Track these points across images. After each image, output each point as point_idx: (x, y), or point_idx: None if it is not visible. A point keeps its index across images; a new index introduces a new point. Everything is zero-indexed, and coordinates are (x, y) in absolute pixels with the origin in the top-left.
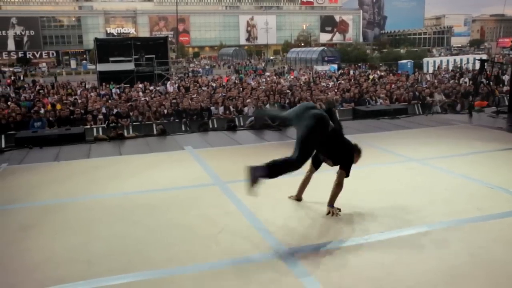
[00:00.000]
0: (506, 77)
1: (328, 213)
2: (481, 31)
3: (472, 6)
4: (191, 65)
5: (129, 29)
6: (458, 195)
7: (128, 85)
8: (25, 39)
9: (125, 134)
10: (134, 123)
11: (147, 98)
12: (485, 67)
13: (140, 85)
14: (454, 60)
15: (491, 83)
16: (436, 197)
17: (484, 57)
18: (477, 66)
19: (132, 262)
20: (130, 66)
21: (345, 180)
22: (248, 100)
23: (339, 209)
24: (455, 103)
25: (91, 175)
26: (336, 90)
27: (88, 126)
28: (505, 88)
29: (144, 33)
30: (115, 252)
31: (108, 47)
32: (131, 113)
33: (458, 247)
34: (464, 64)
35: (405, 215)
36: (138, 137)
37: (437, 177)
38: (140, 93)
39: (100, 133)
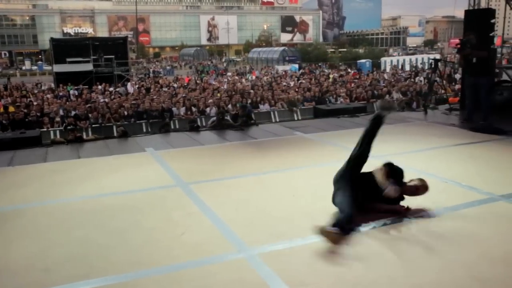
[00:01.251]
0: (458, 76)
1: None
2: (434, 31)
3: (426, 8)
4: (152, 65)
5: (87, 29)
6: None
7: (87, 87)
8: None
9: (84, 136)
10: (93, 125)
11: (106, 100)
12: (439, 66)
13: (99, 86)
14: (410, 59)
15: (444, 81)
16: None
17: (438, 56)
18: (431, 65)
19: (94, 268)
20: (88, 67)
21: (304, 177)
22: (210, 101)
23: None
24: (411, 101)
25: (48, 180)
26: (297, 89)
27: (45, 129)
28: (457, 86)
29: (103, 33)
30: (76, 258)
31: (65, 47)
32: (90, 115)
33: (415, 240)
34: (420, 64)
35: (366, 212)
36: (98, 139)
37: None
38: (100, 95)
39: (58, 136)
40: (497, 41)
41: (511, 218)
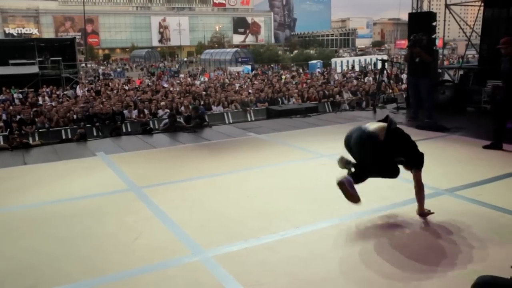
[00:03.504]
0: (404, 76)
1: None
2: (381, 33)
3: (373, 10)
4: (101, 67)
5: (32, 30)
6: (366, 187)
7: (32, 90)
8: None
9: (30, 142)
10: (40, 130)
11: (53, 103)
12: (386, 66)
13: (46, 89)
14: (359, 60)
15: (391, 81)
16: None
17: (385, 57)
18: (379, 66)
19: (43, 278)
20: (33, 69)
21: (258, 178)
22: (163, 103)
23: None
24: (361, 100)
25: None
26: (250, 91)
27: None
28: (404, 86)
29: (49, 34)
30: (23, 269)
31: (8, 49)
32: (36, 119)
33: (366, 236)
34: (368, 64)
35: (319, 210)
36: (45, 144)
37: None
38: (47, 98)
39: (1, 141)
40: (438, 43)
41: (455, 211)
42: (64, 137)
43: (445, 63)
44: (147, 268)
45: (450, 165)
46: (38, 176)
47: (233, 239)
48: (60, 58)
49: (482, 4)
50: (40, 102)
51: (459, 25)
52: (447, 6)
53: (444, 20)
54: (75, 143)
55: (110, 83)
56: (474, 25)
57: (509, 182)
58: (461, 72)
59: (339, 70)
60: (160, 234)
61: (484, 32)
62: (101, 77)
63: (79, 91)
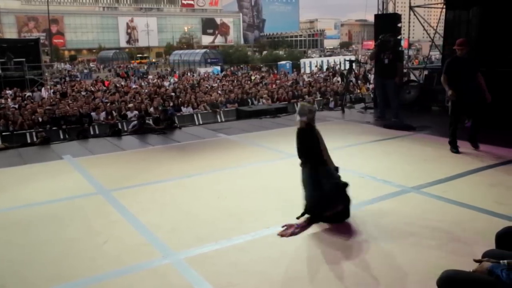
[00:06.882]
0: (371, 76)
1: None
2: (349, 34)
3: (340, 11)
4: (65, 66)
5: None
6: None
7: None
8: None
9: None
10: (3, 133)
11: (16, 106)
12: (353, 67)
13: (9, 91)
14: (328, 61)
15: (359, 81)
16: None
17: (353, 58)
18: (347, 66)
19: (6, 287)
20: None
21: (229, 179)
22: (131, 105)
23: None
24: (329, 100)
25: None
26: (220, 92)
27: None
28: (371, 86)
29: (11, 34)
30: None
31: None
32: None
33: (334, 234)
34: (337, 65)
35: (289, 210)
36: (8, 148)
37: None
38: (9, 100)
39: None
40: (404, 43)
41: (422, 208)
42: (29, 140)
43: (415, 63)
44: (116, 272)
45: (416, 163)
46: (2, 180)
47: (204, 240)
48: (23, 59)
49: (444, 6)
50: (3, 105)
51: (423, 26)
52: (411, 8)
53: (409, 22)
54: (40, 147)
55: (76, 85)
56: (437, 26)
57: (472, 178)
58: (425, 72)
59: (308, 70)
60: (130, 238)
61: (446, 34)
62: (67, 78)
63: (44, 93)
